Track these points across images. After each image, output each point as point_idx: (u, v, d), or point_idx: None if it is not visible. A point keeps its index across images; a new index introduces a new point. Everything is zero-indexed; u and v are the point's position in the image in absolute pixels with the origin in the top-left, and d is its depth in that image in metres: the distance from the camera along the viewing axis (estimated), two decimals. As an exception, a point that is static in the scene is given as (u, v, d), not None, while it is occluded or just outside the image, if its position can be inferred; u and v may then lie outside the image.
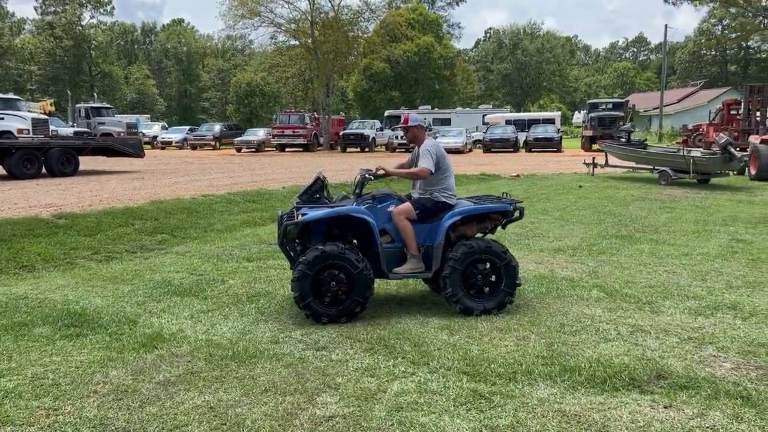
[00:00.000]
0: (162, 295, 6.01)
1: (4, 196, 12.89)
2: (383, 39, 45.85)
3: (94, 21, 74.91)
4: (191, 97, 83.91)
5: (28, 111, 23.47)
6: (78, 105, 32.83)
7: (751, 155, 17.54)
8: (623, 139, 19.81)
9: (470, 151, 35.22)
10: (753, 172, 17.29)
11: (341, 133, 38.36)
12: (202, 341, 4.68)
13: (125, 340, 4.71)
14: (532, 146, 34.55)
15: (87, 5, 72.00)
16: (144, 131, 40.90)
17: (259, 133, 39.28)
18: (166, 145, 42.04)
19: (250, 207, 12.14)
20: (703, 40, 69.96)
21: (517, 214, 5.59)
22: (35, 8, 71.57)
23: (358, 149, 37.28)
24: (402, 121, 5.74)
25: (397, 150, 34.97)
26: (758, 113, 23.96)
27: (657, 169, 16.77)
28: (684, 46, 76.83)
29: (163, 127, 48.59)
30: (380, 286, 5.97)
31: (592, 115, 34.25)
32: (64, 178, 17.57)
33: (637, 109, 49.91)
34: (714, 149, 17.05)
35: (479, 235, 5.60)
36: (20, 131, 18.99)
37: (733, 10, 62.07)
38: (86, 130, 27.27)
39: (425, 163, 5.40)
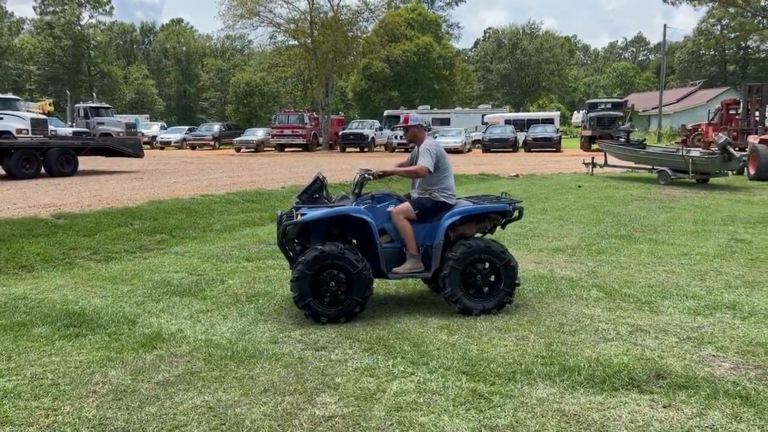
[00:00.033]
0: (161, 295, 6.00)
1: (3, 196, 12.87)
2: (382, 39, 45.83)
3: (93, 21, 74.99)
4: (190, 97, 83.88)
5: (27, 111, 23.48)
6: (77, 105, 32.84)
7: (750, 155, 17.54)
8: (622, 139, 19.84)
9: (469, 151, 35.22)
10: (752, 171, 17.30)
11: (340, 133, 38.35)
12: (201, 341, 4.68)
13: (124, 340, 4.71)
14: (531, 146, 34.55)
15: (86, 5, 71.96)
16: (143, 131, 40.86)
17: (259, 133, 39.26)
18: (165, 145, 42.00)
19: (250, 207, 12.14)
20: (702, 40, 70.03)
21: (516, 213, 5.59)
22: (34, 8, 71.60)
23: (358, 149, 37.28)
24: (402, 120, 5.74)
25: (396, 150, 34.97)
26: (757, 113, 23.99)
27: (656, 169, 16.78)
28: (683, 46, 76.89)
29: (162, 127, 48.56)
30: (379, 285, 5.97)
31: (591, 115, 34.28)
32: (63, 178, 17.55)
33: (636, 109, 49.95)
34: (713, 149, 17.07)
35: (478, 234, 5.61)
36: (19, 131, 19.00)
37: (732, 10, 62.17)
38: (85, 130, 27.29)
39: (424, 162, 5.40)
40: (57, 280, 6.73)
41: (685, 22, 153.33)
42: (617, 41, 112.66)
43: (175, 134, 43.86)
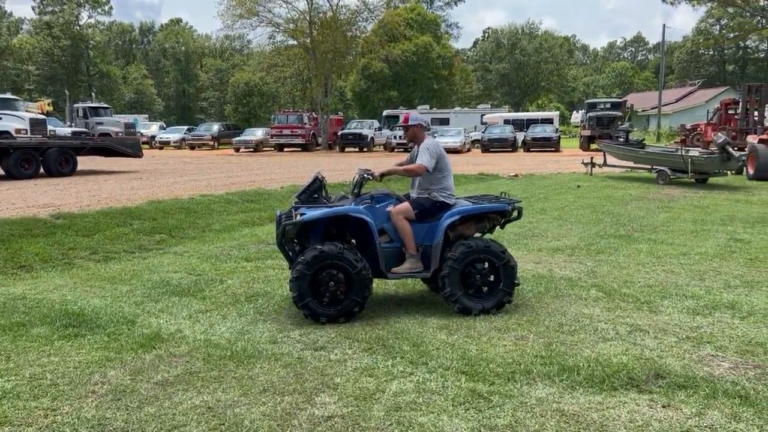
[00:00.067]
0: (160, 296, 6.00)
1: (2, 196, 12.86)
2: (381, 39, 45.85)
3: (92, 21, 75.01)
4: (189, 96, 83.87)
5: (26, 111, 23.45)
6: (76, 105, 32.84)
7: (749, 155, 17.56)
8: (621, 139, 19.83)
9: (468, 150, 35.23)
10: (751, 171, 17.32)
11: (339, 133, 38.35)
12: (200, 341, 4.68)
13: (123, 341, 4.70)
14: (530, 146, 34.57)
15: (85, 5, 71.97)
16: (142, 131, 40.85)
17: (258, 133, 39.26)
18: (164, 145, 41.97)
19: (249, 207, 12.13)
20: (701, 40, 70.07)
21: (515, 213, 5.59)
22: (33, 8, 71.50)
23: (357, 149, 37.29)
24: (402, 119, 5.75)
25: (395, 150, 34.97)
26: (756, 113, 23.99)
27: (655, 169, 16.79)
28: (682, 46, 76.92)
29: (161, 127, 48.54)
30: (379, 285, 5.97)
31: (591, 114, 34.32)
32: (62, 178, 17.54)
33: (635, 109, 49.95)
34: (712, 149, 17.09)
35: (478, 234, 5.61)
36: (18, 131, 18.99)
37: (731, 9, 62.21)
38: (84, 130, 27.28)
39: (422, 160, 5.40)
40: (56, 280, 6.73)
41: (684, 22, 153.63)
42: (616, 41, 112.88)
43: (174, 134, 43.84)
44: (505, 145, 34.39)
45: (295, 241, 5.49)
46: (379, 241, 5.24)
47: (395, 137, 34.94)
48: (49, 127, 21.79)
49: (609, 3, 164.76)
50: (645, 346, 4.44)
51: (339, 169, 20.06)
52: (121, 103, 69.18)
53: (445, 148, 5.87)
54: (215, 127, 43.49)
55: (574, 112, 63.37)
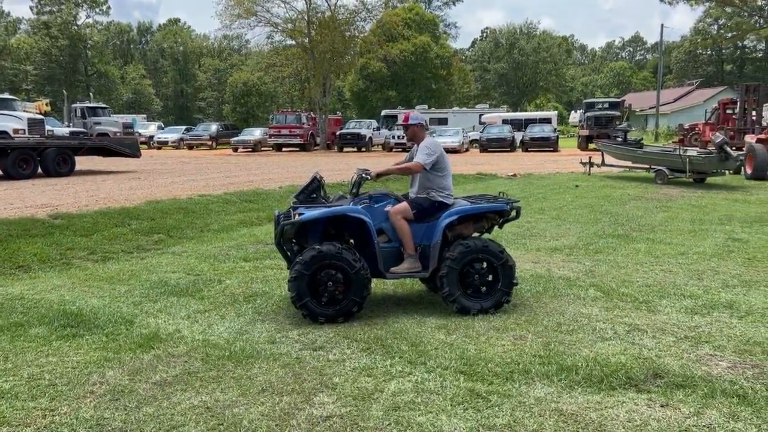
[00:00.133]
0: (159, 296, 6.00)
1: (0, 197, 12.84)
2: (380, 38, 45.85)
3: (90, 21, 74.86)
4: (187, 96, 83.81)
5: (24, 111, 23.41)
6: (74, 105, 32.73)
7: (746, 154, 17.57)
8: (620, 139, 19.85)
9: (467, 150, 35.23)
10: (749, 171, 17.34)
11: (338, 133, 38.32)
12: (198, 341, 4.68)
13: (122, 341, 4.70)
14: (528, 146, 34.57)
15: (83, 5, 71.86)
16: (140, 131, 40.80)
17: (256, 133, 39.23)
18: (162, 145, 41.91)
19: (247, 207, 12.12)
20: (699, 40, 70.12)
21: (513, 213, 5.60)
22: (31, 8, 71.38)
23: (355, 149, 37.29)
24: (403, 119, 5.77)
25: (393, 150, 34.97)
26: (754, 112, 24.01)
27: (653, 169, 16.81)
28: (680, 46, 76.99)
29: (160, 127, 48.49)
30: (377, 285, 5.97)
31: (589, 114, 34.34)
32: (60, 179, 17.52)
33: (634, 109, 49.94)
34: (710, 148, 17.10)
35: (476, 234, 5.61)
36: (16, 131, 18.94)
37: (728, 9, 62.27)
38: (82, 130, 27.20)
39: (420, 159, 5.41)
40: (54, 281, 6.72)
41: (682, 22, 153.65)
42: (614, 41, 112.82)
43: (172, 134, 43.79)
44: (504, 145, 34.41)
45: (294, 241, 5.49)
46: (378, 241, 5.24)
47: (393, 137, 34.93)
48: (47, 127, 21.75)
49: (607, 3, 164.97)
50: (643, 346, 4.45)
51: (337, 169, 20.06)
52: (119, 103, 69.10)
53: (443, 148, 5.88)
54: (213, 127, 43.43)
55: (573, 111, 63.47)
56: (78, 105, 32.81)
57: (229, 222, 10.64)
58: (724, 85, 58.16)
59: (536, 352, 4.32)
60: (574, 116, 55.98)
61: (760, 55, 74.78)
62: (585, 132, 33.84)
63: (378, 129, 39.25)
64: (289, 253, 5.47)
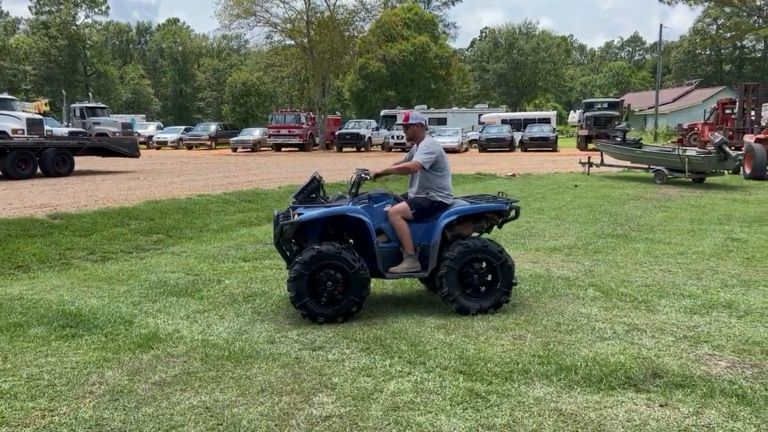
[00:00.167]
0: (158, 296, 5.99)
1: (-1, 197, 12.85)
2: (379, 38, 45.85)
3: (89, 21, 74.82)
4: (187, 96, 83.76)
5: (23, 111, 23.38)
6: (73, 105, 32.67)
7: (745, 154, 17.59)
8: (619, 139, 19.86)
9: (466, 150, 35.23)
10: (748, 171, 17.35)
11: (337, 133, 38.32)
12: (198, 341, 4.67)
13: (121, 341, 4.70)
14: (527, 146, 34.59)
15: (82, 5, 71.82)
16: (139, 131, 40.80)
17: (255, 133, 39.23)
18: (161, 145, 41.91)
19: (246, 207, 12.12)
20: (698, 40, 70.14)
21: (513, 213, 5.60)
22: (30, 8, 71.44)
23: (354, 149, 37.30)
24: (403, 118, 5.77)
25: (393, 150, 34.97)
26: (753, 112, 24.03)
27: (652, 169, 16.82)
28: (679, 46, 77.03)
29: (159, 127, 48.48)
30: (376, 285, 5.97)
31: (588, 114, 34.35)
32: (59, 179, 17.51)
33: (633, 109, 50.03)
34: (709, 148, 17.12)
35: (475, 234, 5.61)
36: (15, 131, 18.93)
37: (727, 9, 62.31)
38: (81, 130, 27.16)
39: (419, 158, 5.42)
40: (53, 281, 6.71)
41: (681, 22, 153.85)
42: (613, 41, 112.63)
43: (171, 134, 43.78)
44: (503, 145, 34.42)
45: (293, 241, 5.49)
46: (377, 240, 5.24)
47: (393, 137, 34.94)
48: (46, 127, 21.74)
49: (606, 3, 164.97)
50: (642, 346, 4.45)
51: (336, 168, 20.06)
52: (119, 103, 69.06)
53: (443, 148, 5.88)
54: (212, 127, 43.43)
55: (572, 111, 63.43)
56: (77, 105, 32.76)
57: (228, 222, 10.64)
58: (723, 85, 58.17)
59: (535, 352, 4.32)
60: (573, 116, 55.96)
61: (758, 55, 74.84)
62: (584, 132, 33.86)
63: (377, 129, 39.25)
64: (288, 253, 5.46)
